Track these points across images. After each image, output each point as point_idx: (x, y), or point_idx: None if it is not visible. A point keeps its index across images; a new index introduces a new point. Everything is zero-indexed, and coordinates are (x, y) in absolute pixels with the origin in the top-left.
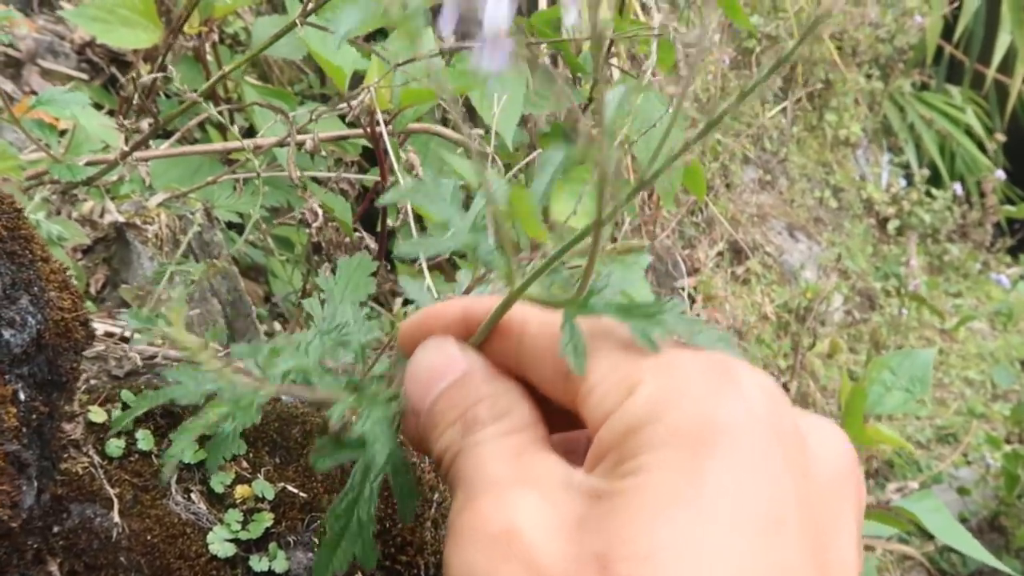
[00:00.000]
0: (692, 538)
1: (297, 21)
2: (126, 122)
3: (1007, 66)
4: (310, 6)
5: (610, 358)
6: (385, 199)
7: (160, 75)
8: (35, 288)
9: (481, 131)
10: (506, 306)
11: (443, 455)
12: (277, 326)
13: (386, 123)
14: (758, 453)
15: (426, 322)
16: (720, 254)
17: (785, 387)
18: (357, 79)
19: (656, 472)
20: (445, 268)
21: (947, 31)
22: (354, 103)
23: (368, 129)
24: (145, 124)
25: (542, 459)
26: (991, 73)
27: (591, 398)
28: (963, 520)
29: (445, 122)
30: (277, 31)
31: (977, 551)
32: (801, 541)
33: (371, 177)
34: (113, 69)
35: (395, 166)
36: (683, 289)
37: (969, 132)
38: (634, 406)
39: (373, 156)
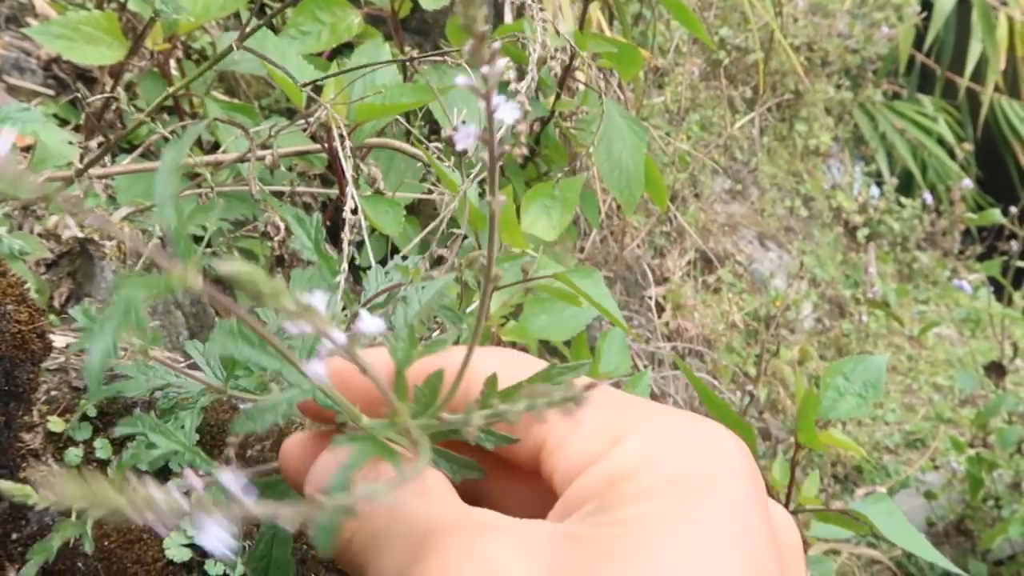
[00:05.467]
0: None
1: (250, 29)
2: (89, 140)
3: (979, 73)
4: (259, 22)
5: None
6: None
7: (122, 92)
8: None
9: (441, 145)
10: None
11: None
12: None
13: (344, 138)
14: (742, 506)
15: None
16: (690, 263)
17: (753, 395)
18: (319, 93)
19: (648, 522)
20: None
21: (918, 40)
22: (312, 119)
23: (325, 144)
24: (93, 144)
25: (482, 510)
26: (964, 82)
27: (566, 446)
28: (930, 524)
29: (409, 134)
30: (228, 44)
31: (930, 553)
32: None
33: (333, 191)
34: (79, 85)
35: (350, 180)
36: (651, 298)
37: (941, 141)
38: (621, 456)
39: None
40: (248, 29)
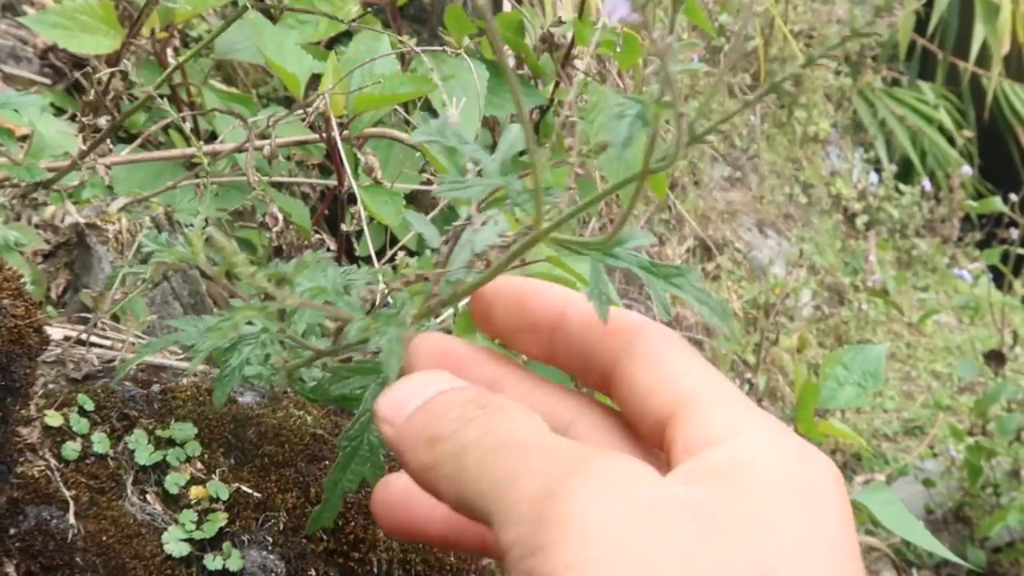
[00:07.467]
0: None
1: (248, 4)
2: (86, 121)
3: (984, 57)
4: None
5: (702, 374)
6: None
7: (116, 71)
8: None
9: None
10: (529, 245)
11: (450, 433)
12: None
13: (343, 127)
14: (846, 517)
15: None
16: (689, 251)
17: (752, 383)
18: (318, 82)
19: (773, 507)
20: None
21: (921, 26)
22: (310, 109)
23: (323, 134)
24: (102, 121)
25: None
26: (969, 66)
27: (693, 424)
28: (929, 511)
29: (408, 123)
30: (218, 28)
31: (928, 542)
32: None
33: (331, 181)
34: (76, 74)
35: (349, 170)
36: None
37: (941, 128)
38: (741, 445)
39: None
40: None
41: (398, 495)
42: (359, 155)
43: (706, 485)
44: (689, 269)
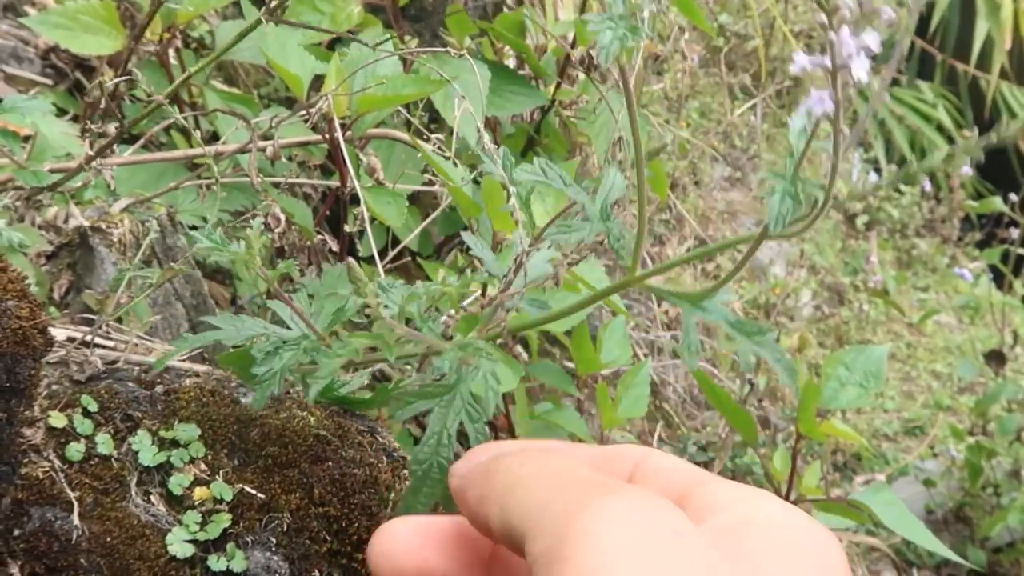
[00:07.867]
0: None
1: (263, 18)
2: (92, 126)
3: (985, 56)
4: (272, 6)
5: (705, 471)
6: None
7: (123, 80)
8: None
9: (443, 135)
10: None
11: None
12: None
13: (345, 128)
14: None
15: None
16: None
17: (752, 383)
18: (320, 83)
19: (780, 558)
20: (411, 268)
21: (919, 26)
22: (313, 109)
23: (326, 135)
24: (111, 128)
25: None
26: (971, 66)
27: (707, 497)
28: (929, 512)
29: (410, 125)
30: (234, 37)
31: (930, 541)
32: None
33: (333, 182)
34: (78, 74)
35: (351, 171)
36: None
37: (940, 128)
38: (747, 511)
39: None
40: (252, 23)
41: (401, 541)
42: (361, 156)
43: (722, 535)
44: (768, 329)
